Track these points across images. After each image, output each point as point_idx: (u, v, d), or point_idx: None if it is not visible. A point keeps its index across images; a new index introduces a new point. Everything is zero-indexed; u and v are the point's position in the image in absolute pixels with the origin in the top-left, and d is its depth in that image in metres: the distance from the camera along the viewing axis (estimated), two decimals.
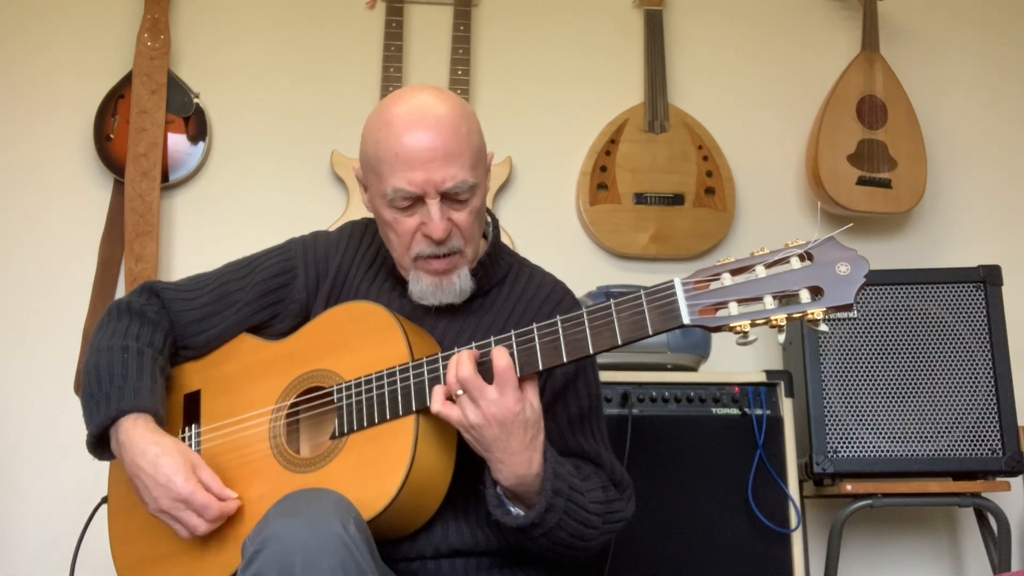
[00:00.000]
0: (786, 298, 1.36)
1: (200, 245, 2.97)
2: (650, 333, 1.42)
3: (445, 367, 1.52)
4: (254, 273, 1.78)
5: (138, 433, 1.62)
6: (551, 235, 3.04)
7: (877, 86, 3.04)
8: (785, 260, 1.37)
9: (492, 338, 1.52)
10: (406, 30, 3.08)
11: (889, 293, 2.52)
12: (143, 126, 2.92)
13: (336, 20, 3.13)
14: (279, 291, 1.76)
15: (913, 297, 2.52)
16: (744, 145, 3.13)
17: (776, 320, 1.35)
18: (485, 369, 1.48)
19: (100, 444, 1.69)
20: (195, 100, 2.99)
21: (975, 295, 2.51)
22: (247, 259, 1.81)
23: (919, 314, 2.51)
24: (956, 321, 2.50)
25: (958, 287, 2.52)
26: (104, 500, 1.86)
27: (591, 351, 1.45)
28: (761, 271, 1.38)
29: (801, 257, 1.37)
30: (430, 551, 1.59)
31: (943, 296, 2.52)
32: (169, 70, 2.98)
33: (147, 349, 1.71)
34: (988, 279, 2.52)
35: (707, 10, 3.24)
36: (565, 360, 1.46)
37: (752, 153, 3.14)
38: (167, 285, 1.82)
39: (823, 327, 1.36)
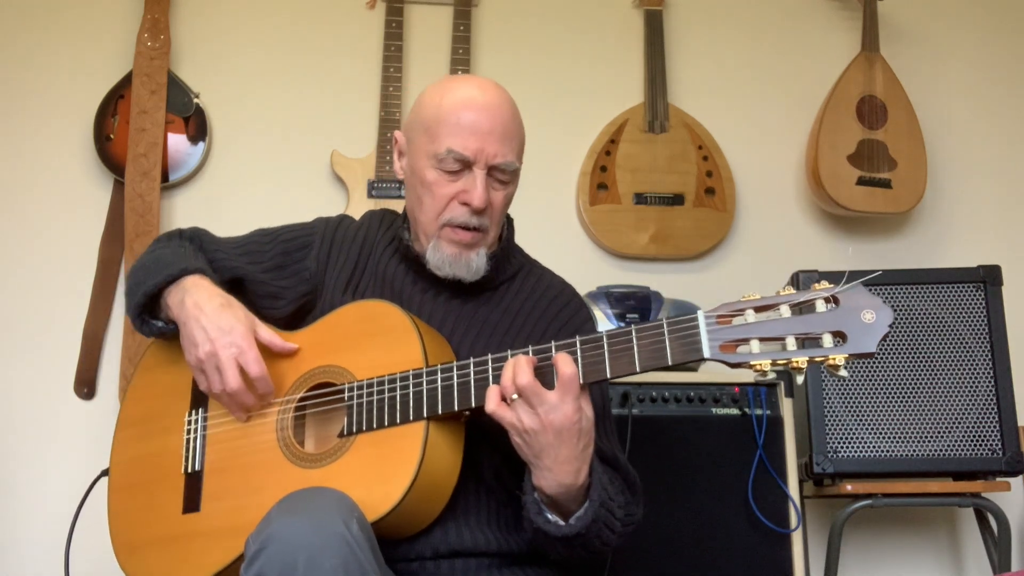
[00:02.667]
0: (808, 340, 1.36)
1: None
2: (669, 363, 1.43)
3: (461, 376, 1.53)
4: (276, 242, 1.84)
5: (205, 284, 1.68)
6: (551, 235, 3.04)
7: (877, 86, 3.04)
8: (811, 302, 1.37)
9: (489, 355, 1.52)
10: (406, 30, 3.08)
11: (889, 293, 2.52)
12: (143, 126, 2.92)
13: (336, 20, 3.13)
14: (295, 265, 1.80)
15: (913, 297, 2.52)
16: (744, 145, 3.13)
17: (797, 363, 1.36)
18: (540, 374, 1.48)
19: (145, 309, 1.73)
20: (195, 100, 2.99)
21: (975, 295, 2.51)
22: (274, 228, 1.89)
23: (919, 314, 2.51)
24: (956, 321, 2.50)
25: (958, 287, 2.52)
26: (104, 473, 1.84)
27: (608, 375, 1.46)
28: (785, 311, 1.38)
29: (827, 300, 1.36)
30: (429, 552, 1.59)
31: (943, 296, 2.52)
32: (169, 70, 2.98)
33: (200, 253, 1.79)
34: (988, 279, 2.52)
35: (707, 10, 3.24)
36: (581, 382, 1.47)
37: (752, 153, 3.14)
38: (204, 230, 1.89)
39: (843, 372, 1.36)
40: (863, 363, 2.49)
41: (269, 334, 1.66)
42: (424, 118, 1.69)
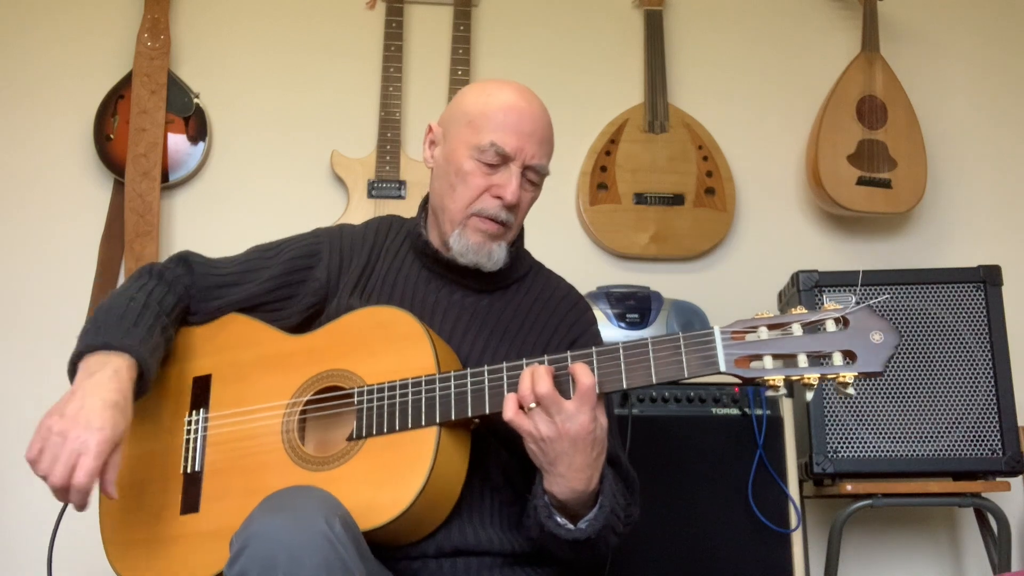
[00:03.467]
0: (820, 358, 1.42)
1: (200, 245, 2.92)
2: (686, 376, 1.46)
3: (475, 383, 1.54)
4: (282, 253, 1.82)
5: (122, 377, 1.57)
6: (551, 235, 3.03)
7: (877, 86, 3.04)
8: (822, 322, 1.42)
9: (504, 363, 1.54)
10: (406, 30, 3.08)
11: (889, 293, 2.52)
12: (143, 126, 2.92)
13: (336, 20, 3.13)
14: (302, 272, 1.80)
15: (913, 297, 2.52)
16: (744, 145, 3.13)
17: (808, 379, 1.41)
18: (556, 383, 1.50)
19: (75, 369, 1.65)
20: (195, 100, 2.99)
21: (975, 295, 2.51)
22: (276, 241, 1.87)
23: (919, 314, 2.51)
24: (956, 321, 2.50)
25: (958, 287, 2.52)
26: None
27: (624, 386, 1.49)
28: (797, 329, 1.43)
29: (837, 321, 1.42)
30: (432, 550, 1.59)
31: (943, 296, 2.52)
32: (169, 70, 2.98)
33: (154, 305, 1.72)
34: (988, 279, 2.52)
35: (707, 10, 3.24)
36: (598, 392, 1.49)
37: (752, 153, 3.14)
38: (198, 255, 1.86)
39: (851, 391, 1.41)
40: None
41: (115, 463, 1.53)
42: (468, 111, 1.74)
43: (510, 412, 1.50)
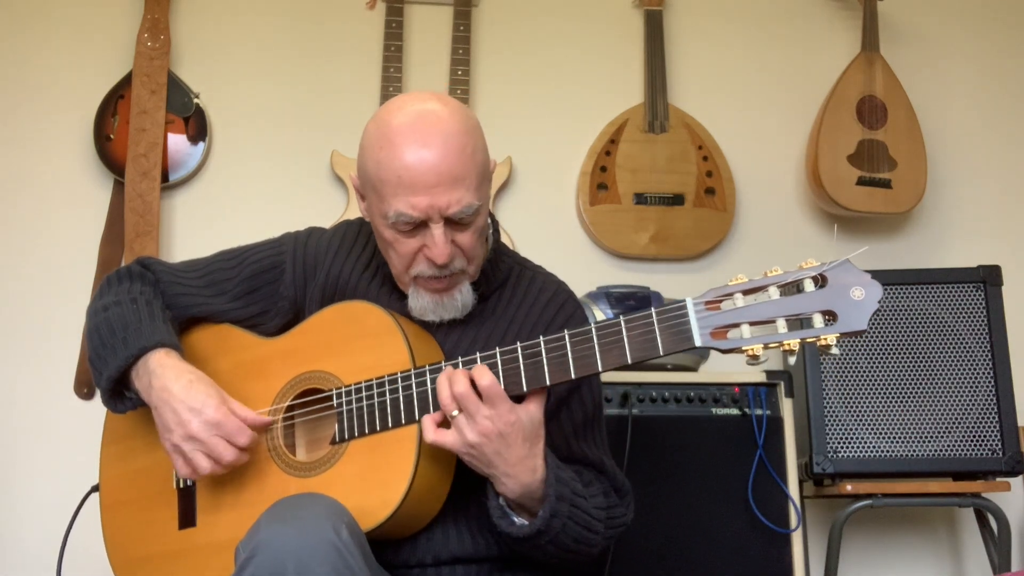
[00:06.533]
0: (799, 322, 1.35)
1: (200, 245, 2.93)
2: (661, 353, 1.40)
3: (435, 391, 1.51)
4: (243, 266, 1.76)
5: (171, 363, 1.61)
6: (551, 235, 3.04)
7: (877, 86, 3.04)
8: (799, 282, 1.36)
9: (478, 353, 1.50)
10: (406, 30, 3.08)
11: (889, 293, 2.52)
12: (143, 126, 2.92)
13: (336, 20, 3.13)
14: (267, 288, 1.74)
15: (913, 297, 2.52)
16: (744, 145, 3.13)
17: (788, 345, 1.34)
18: (507, 376, 1.47)
19: (116, 393, 1.67)
20: (195, 100, 2.99)
21: (975, 295, 2.51)
22: (239, 250, 1.80)
23: (919, 314, 2.51)
24: (956, 321, 2.50)
25: (958, 287, 2.52)
26: (94, 488, 1.83)
27: (600, 368, 1.44)
28: (774, 292, 1.36)
29: (815, 280, 1.35)
30: (430, 558, 1.58)
31: (943, 296, 2.52)
32: (169, 70, 2.98)
33: (155, 301, 1.71)
34: (988, 279, 2.52)
35: (707, 10, 3.24)
36: (573, 376, 1.45)
37: (752, 153, 3.14)
38: (158, 260, 1.82)
39: (835, 351, 1.35)
40: (862, 363, 2.50)
41: (242, 408, 1.60)
42: (369, 173, 1.57)
43: (429, 434, 1.46)
